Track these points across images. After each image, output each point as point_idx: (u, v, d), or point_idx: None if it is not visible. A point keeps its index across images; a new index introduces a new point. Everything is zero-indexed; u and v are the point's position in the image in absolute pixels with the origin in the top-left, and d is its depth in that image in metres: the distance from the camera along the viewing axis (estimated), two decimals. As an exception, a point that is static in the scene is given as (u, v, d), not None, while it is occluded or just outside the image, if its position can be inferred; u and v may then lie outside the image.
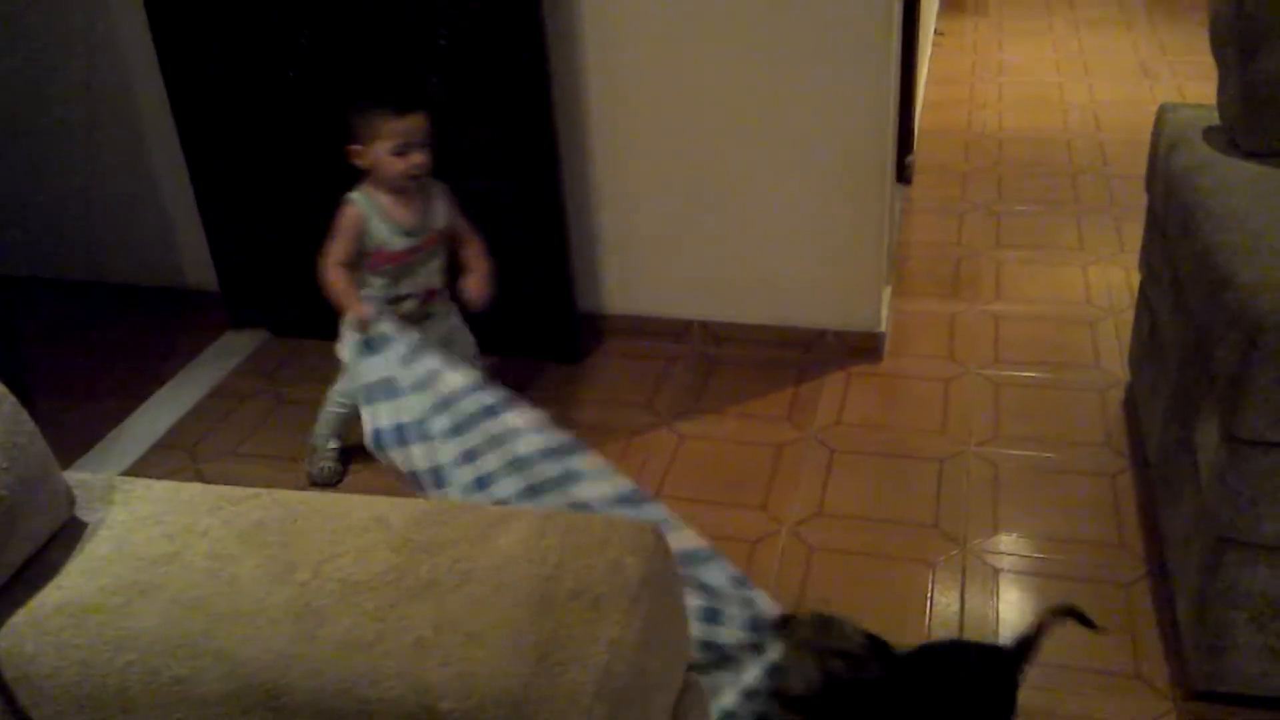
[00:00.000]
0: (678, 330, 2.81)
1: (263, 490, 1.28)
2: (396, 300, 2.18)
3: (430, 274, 2.24)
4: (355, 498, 1.26)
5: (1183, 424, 1.80)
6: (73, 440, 2.52)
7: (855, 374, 2.64)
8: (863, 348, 2.70)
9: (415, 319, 2.18)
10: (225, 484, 1.34)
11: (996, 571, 2.03)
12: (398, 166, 2.08)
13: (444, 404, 1.74)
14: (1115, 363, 2.57)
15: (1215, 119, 2.04)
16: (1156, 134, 2.19)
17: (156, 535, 1.22)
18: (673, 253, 2.74)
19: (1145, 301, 2.27)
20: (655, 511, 1.59)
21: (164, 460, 2.49)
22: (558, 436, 1.65)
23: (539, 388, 2.67)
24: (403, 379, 1.79)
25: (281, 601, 1.10)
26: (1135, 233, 2.33)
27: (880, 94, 2.45)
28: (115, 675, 1.06)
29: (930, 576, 2.02)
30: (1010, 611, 1.94)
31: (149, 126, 2.91)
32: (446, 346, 2.14)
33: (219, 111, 2.70)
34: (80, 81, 2.91)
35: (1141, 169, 2.24)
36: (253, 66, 2.61)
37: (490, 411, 1.70)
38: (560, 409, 2.58)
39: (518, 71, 2.44)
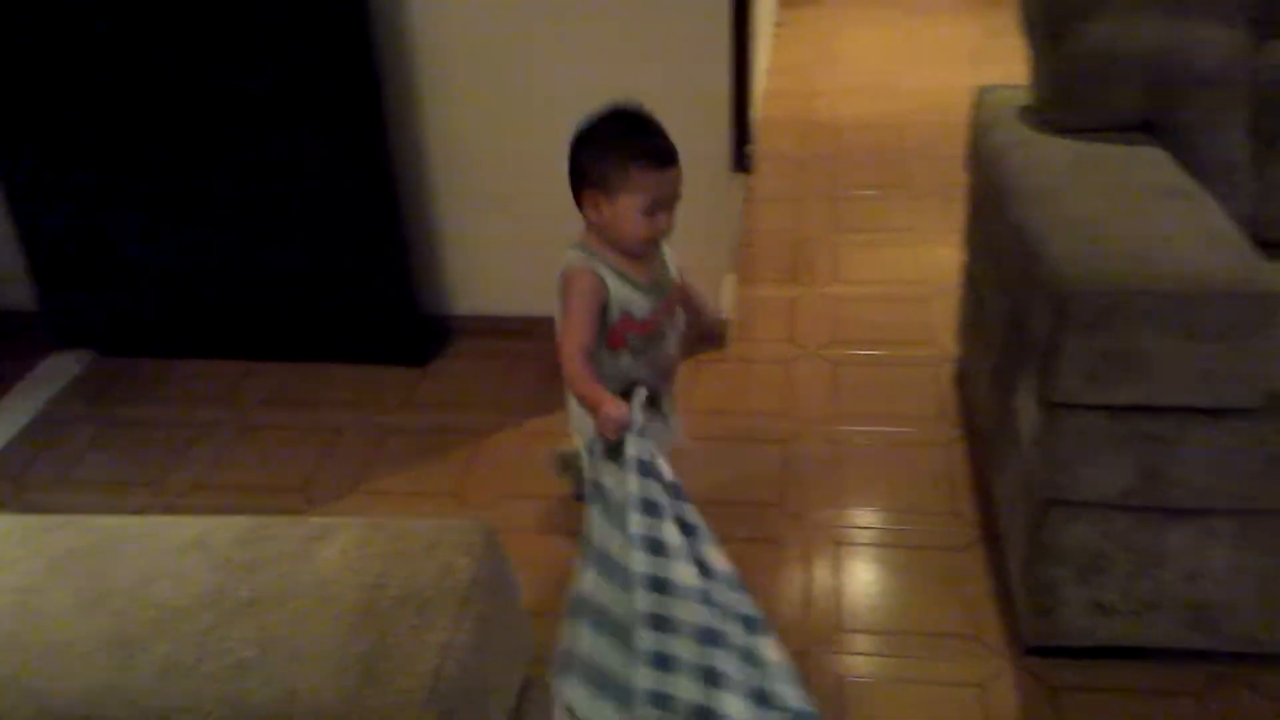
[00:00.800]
0: (526, 328, 2.80)
1: (75, 517, 1.23)
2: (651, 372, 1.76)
3: (675, 340, 1.79)
4: (173, 519, 1.21)
5: (1005, 392, 1.88)
6: (-117, 478, 2.37)
7: (701, 361, 2.67)
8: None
9: (659, 399, 1.78)
10: (54, 513, 1.27)
11: (839, 544, 2.08)
12: (643, 230, 1.65)
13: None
14: (947, 338, 2.66)
15: (1028, 99, 2.12)
16: (974, 115, 2.27)
17: (-41, 572, 1.16)
18: (518, 250, 2.73)
19: (970, 278, 2.36)
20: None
21: (-14, 492, 2.36)
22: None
23: (383, 393, 2.62)
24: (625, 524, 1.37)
25: (95, 632, 1.05)
26: (963, 213, 2.42)
27: (715, 86, 2.49)
28: (-86, 724, 1.00)
29: (776, 555, 2.06)
30: (853, 583, 2.00)
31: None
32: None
33: (28, 117, 2.57)
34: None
35: (968, 151, 2.33)
36: (59, 69, 2.49)
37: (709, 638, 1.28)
38: (406, 414, 2.54)
39: (343, 67, 2.39)
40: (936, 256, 3.10)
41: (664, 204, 1.64)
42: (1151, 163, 1.87)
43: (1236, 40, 1.93)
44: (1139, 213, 1.69)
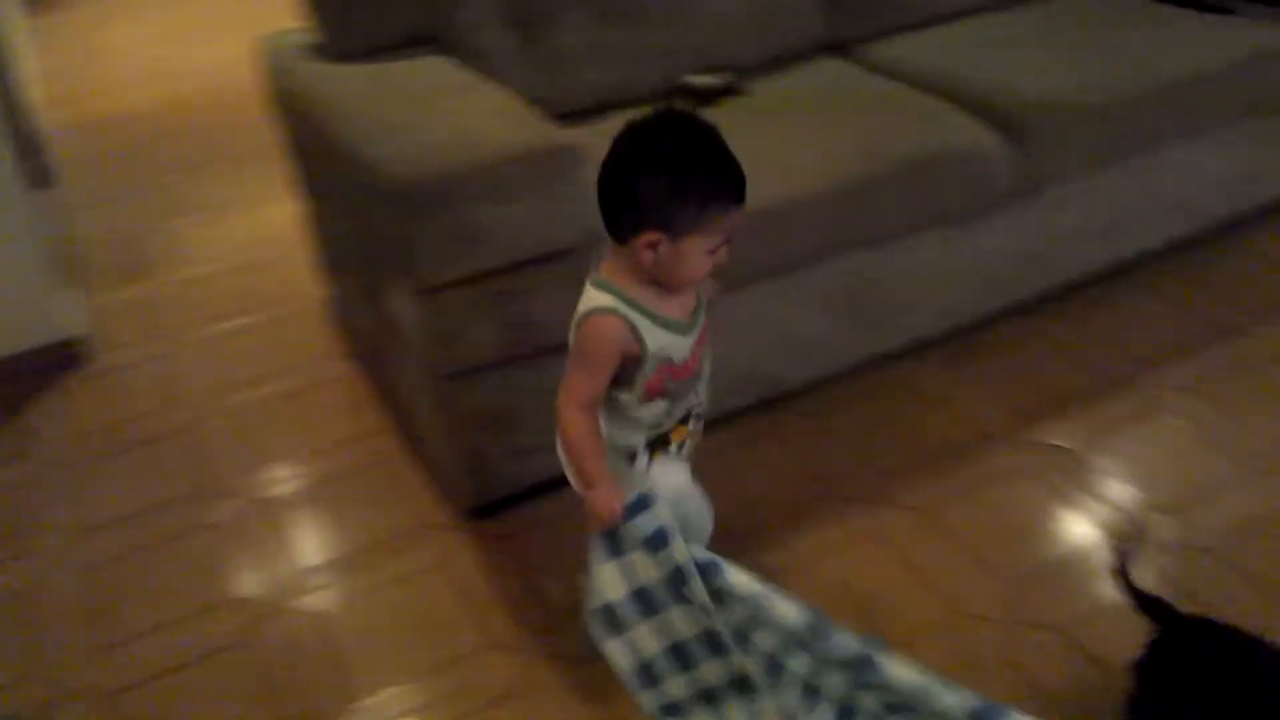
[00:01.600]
0: None
1: None
2: (686, 419, 1.50)
3: (708, 371, 1.52)
4: None
5: (381, 302, 2.00)
6: None
7: (69, 386, 2.48)
8: (66, 358, 2.53)
9: (695, 438, 1.55)
10: None
11: (277, 501, 2.10)
12: (704, 270, 1.36)
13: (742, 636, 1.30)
14: (308, 284, 2.72)
15: (313, 38, 2.21)
16: (267, 64, 2.32)
17: None
18: None
19: (317, 218, 2.43)
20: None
21: None
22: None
23: None
24: (661, 593, 1.31)
25: None
26: (287, 163, 2.47)
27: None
28: None
29: (218, 539, 2.03)
30: (300, 531, 2.04)
31: None
32: None
33: None
34: None
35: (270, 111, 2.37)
36: None
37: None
38: None
39: None
40: (268, 215, 3.15)
41: (730, 239, 1.37)
42: (439, 68, 2.08)
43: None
44: (442, 109, 1.87)
